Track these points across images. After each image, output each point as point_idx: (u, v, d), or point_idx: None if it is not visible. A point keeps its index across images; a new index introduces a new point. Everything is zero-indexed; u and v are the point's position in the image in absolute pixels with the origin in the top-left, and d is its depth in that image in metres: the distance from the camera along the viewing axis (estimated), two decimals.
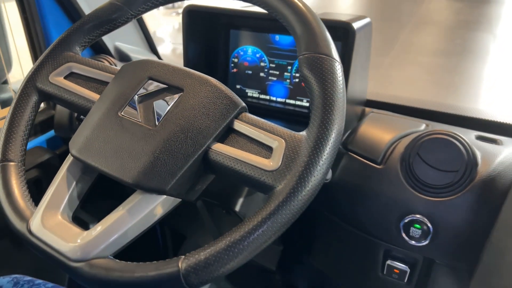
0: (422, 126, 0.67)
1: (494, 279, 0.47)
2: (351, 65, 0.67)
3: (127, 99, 0.51)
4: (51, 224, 0.46)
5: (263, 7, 0.52)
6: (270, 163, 0.44)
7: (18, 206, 0.49)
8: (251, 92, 0.87)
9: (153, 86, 0.51)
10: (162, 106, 0.49)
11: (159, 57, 1.05)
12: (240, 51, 0.86)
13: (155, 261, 0.42)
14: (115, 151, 0.47)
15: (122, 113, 0.50)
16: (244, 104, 0.50)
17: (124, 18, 0.60)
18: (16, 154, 0.54)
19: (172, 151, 0.46)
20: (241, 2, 0.56)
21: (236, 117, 0.49)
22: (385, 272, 0.66)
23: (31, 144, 0.83)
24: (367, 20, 0.74)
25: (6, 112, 0.83)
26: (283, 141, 0.45)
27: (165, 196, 0.46)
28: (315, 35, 0.48)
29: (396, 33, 6.23)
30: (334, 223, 0.69)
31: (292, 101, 0.83)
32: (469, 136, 0.64)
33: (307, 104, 0.82)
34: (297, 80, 0.82)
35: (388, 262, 0.65)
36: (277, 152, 0.44)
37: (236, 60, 0.87)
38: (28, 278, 0.61)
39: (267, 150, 0.45)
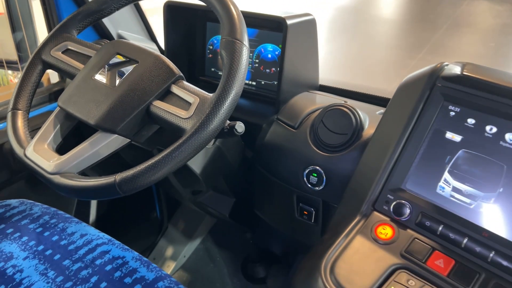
0: (339, 101, 0.83)
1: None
2: (285, 53, 0.84)
3: (100, 68, 0.70)
4: (39, 150, 0.67)
5: (204, 2, 0.70)
6: (187, 114, 0.62)
7: (20, 139, 0.70)
8: (221, 73, 1.05)
9: (118, 58, 0.71)
10: (122, 73, 0.68)
11: (157, 44, 1.25)
12: (214, 40, 1.04)
13: (101, 176, 0.61)
14: (86, 102, 0.67)
15: (94, 77, 0.69)
16: (181, 74, 0.68)
17: (108, 10, 0.79)
18: (23, 105, 0.75)
19: (124, 104, 0.65)
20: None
21: (174, 82, 0.67)
22: (298, 214, 0.83)
23: (47, 108, 1.06)
24: (309, 17, 0.89)
25: None
26: (198, 98, 0.62)
27: (116, 135, 0.65)
28: (233, 24, 0.65)
29: (428, 36, 6.17)
30: (266, 177, 0.86)
31: (254, 82, 1.00)
32: (373, 109, 0.79)
33: (263, 83, 0.99)
34: (256, 65, 0.99)
35: (300, 205, 0.81)
36: (193, 106, 0.62)
37: (211, 47, 1.05)
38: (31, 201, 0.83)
39: (187, 105, 0.63)
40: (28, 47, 1.12)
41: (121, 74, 0.69)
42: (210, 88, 1.00)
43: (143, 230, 1.42)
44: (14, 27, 1.12)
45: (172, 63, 0.69)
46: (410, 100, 0.62)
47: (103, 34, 1.11)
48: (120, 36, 1.14)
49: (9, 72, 1.24)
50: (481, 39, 6.14)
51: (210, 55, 1.06)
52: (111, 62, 0.71)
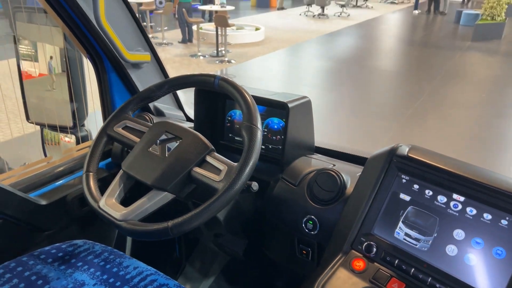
0: (329, 165, 1.09)
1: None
2: (288, 127, 1.11)
3: (153, 143, 0.97)
4: (109, 203, 0.92)
5: (228, 94, 0.98)
6: (218, 178, 0.87)
7: (93, 195, 0.95)
8: (238, 138, 1.32)
9: (167, 135, 0.98)
10: (170, 146, 0.95)
11: (184, 113, 1.53)
12: (232, 113, 1.32)
13: (157, 223, 0.85)
14: (144, 168, 0.93)
15: (149, 149, 0.96)
16: (212, 147, 0.94)
17: (156, 97, 1.08)
18: (93, 168, 1.01)
19: (172, 170, 0.91)
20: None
21: (208, 153, 0.93)
22: (299, 253, 1.06)
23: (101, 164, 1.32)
24: (306, 99, 1.17)
25: (85, 144, 1.34)
26: (226, 166, 0.89)
27: (166, 192, 0.90)
28: (251, 113, 0.92)
29: (423, 85, 6.54)
30: (273, 223, 1.11)
31: (263, 146, 1.27)
32: (354, 170, 1.05)
33: (270, 147, 1.25)
34: (265, 133, 1.26)
35: (300, 246, 1.05)
36: (222, 172, 0.88)
37: (229, 118, 1.32)
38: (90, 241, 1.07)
39: (218, 171, 0.89)
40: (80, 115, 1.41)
41: (169, 147, 0.96)
42: (228, 150, 1.28)
43: (163, 268, 1.64)
44: (71, 99, 1.41)
45: (206, 139, 0.95)
46: (375, 170, 0.88)
47: (144, 107, 1.39)
48: (156, 109, 1.42)
49: (61, 134, 1.52)
50: (474, 89, 6.50)
51: (228, 124, 1.33)
52: (161, 138, 0.98)
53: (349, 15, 14.67)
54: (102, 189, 0.97)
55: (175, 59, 7.96)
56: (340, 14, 14.64)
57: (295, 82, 6.92)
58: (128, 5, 1.26)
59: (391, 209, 0.84)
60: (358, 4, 17.48)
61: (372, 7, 17.36)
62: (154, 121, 1.32)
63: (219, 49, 8.23)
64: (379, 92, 6.52)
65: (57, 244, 1.04)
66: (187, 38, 9.23)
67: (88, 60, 1.29)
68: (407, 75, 7.51)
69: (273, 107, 1.22)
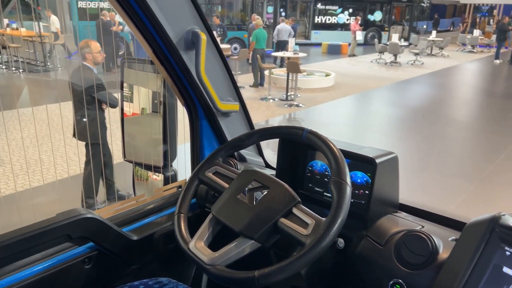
0: (418, 226, 1.04)
1: None
2: (374, 183, 1.09)
3: (242, 190, 1.01)
4: (198, 246, 0.96)
5: (317, 148, 1.00)
6: (305, 231, 0.88)
7: (183, 237, 1.00)
8: (318, 189, 1.32)
9: (255, 183, 1.01)
10: (258, 195, 0.98)
11: (264, 159, 1.58)
12: (313, 163, 1.33)
13: (246, 271, 0.87)
14: (232, 214, 0.97)
15: (238, 196, 1.00)
16: (299, 199, 0.96)
17: (245, 145, 1.13)
18: (184, 210, 1.07)
19: (259, 219, 0.93)
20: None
21: (294, 205, 0.95)
22: None
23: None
24: (393, 155, 1.16)
25: (173, 185, 1.42)
26: (314, 221, 0.89)
27: (253, 240, 0.92)
28: (340, 168, 0.93)
29: (504, 141, 6.11)
30: (355, 282, 1.07)
31: None
32: (445, 234, 0.99)
33: (353, 201, 1.23)
34: None
35: None
36: (310, 226, 0.89)
37: (310, 168, 1.34)
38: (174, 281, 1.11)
39: (305, 224, 0.90)
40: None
41: (257, 196, 0.99)
42: (308, 200, 1.28)
43: None
44: (164, 141, 1.52)
45: (292, 190, 0.97)
46: (474, 239, 0.83)
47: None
48: (240, 156, 1.48)
49: (150, 173, 1.64)
50: None
51: (309, 174, 1.35)
52: (249, 186, 1.02)
53: (423, 63, 14.34)
54: (191, 230, 1.02)
55: (246, 101, 8.21)
56: (414, 62, 14.36)
57: (364, 128, 6.81)
58: (223, 58, 1.36)
59: (493, 283, 0.78)
60: (433, 53, 17.05)
61: (448, 55, 16.83)
62: (238, 166, 1.37)
63: (289, 94, 8.42)
64: (455, 144, 6.19)
65: (145, 280, 1.10)
66: (258, 82, 9.58)
67: (183, 106, 1.40)
68: (486, 127, 7.06)
69: (358, 160, 1.22)
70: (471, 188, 4.41)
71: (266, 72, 9.23)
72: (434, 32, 17.03)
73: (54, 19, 11.25)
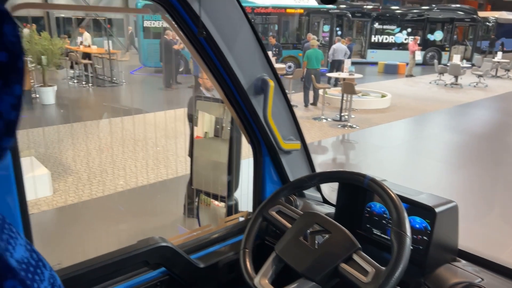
0: (477, 279, 1.05)
1: None
2: (434, 231, 1.12)
3: (304, 232, 1.08)
4: (263, 283, 1.04)
5: (379, 197, 1.05)
6: (366, 279, 0.93)
7: (248, 272, 1.09)
8: (376, 231, 1.36)
9: (316, 226, 1.08)
10: (320, 239, 1.05)
11: (322, 195, 1.64)
12: (371, 204, 1.37)
13: None
14: (295, 255, 1.04)
15: (300, 238, 1.07)
16: (359, 246, 1.01)
17: (307, 186, 1.21)
18: (249, 246, 1.16)
19: (321, 262, 1.00)
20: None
21: (355, 251, 1.00)
22: None
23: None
24: (452, 204, 1.18)
25: (235, 216, 1.52)
26: (374, 269, 0.94)
27: (314, 283, 0.99)
28: (401, 219, 0.98)
29: None
30: None
31: None
32: (508, 286, 1.00)
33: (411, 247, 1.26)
34: None
35: None
36: (370, 274, 0.94)
37: (368, 209, 1.38)
38: None
39: (365, 272, 0.95)
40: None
41: (319, 240, 1.06)
42: (365, 240, 1.33)
43: None
44: (229, 172, 1.63)
45: (353, 237, 1.03)
46: None
47: None
48: (300, 191, 1.56)
49: (216, 202, 1.76)
50: None
51: (367, 215, 1.39)
52: (311, 228, 1.09)
53: (487, 85, 13.64)
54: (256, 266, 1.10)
55: (299, 120, 8.33)
56: (477, 84, 13.70)
57: (420, 154, 6.60)
58: (287, 100, 1.46)
59: None
60: (498, 74, 16.17)
61: None
62: (298, 202, 1.45)
63: (343, 114, 8.38)
64: None
65: None
66: (310, 102, 9.62)
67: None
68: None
69: (416, 206, 1.25)
70: None
71: (320, 92, 9.26)
72: (499, 53, 16.14)
73: (87, 36, 11.96)
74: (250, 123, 1.40)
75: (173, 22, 1.14)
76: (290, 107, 1.47)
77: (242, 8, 1.23)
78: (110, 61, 11.06)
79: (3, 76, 0.39)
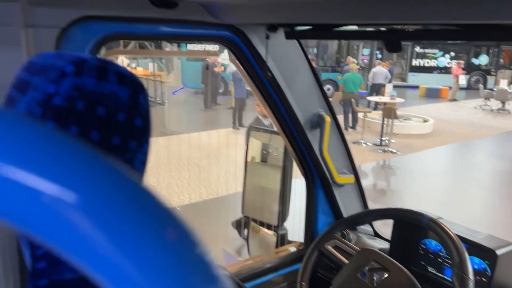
0: None
1: None
2: (494, 275, 1.10)
3: (361, 269, 1.10)
4: None
5: (438, 237, 1.05)
6: None
7: None
8: (431, 269, 1.34)
9: (374, 264, 1.09)
10: (378, 277, 1.06)
11: (373, 228, 1.64)
12: (426, 241, 1.36)
13: None
14: None
15: (357, 275, 1.08)
16: (419, 286, 1.01)
17: (362, 222, 1.22)
18: (306, 279, 1.18)
19: None
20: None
21: None
22: None
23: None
24: None
25: (286, 246, 1.55)
26: None
27: None
28: (464, 263, 0.98)
29: None
30: None
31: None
32: None
33: None
34: None
35: None
36: None
37: (423, 246, 1.37)
38: None
39: None
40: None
41: (377, 278, 1.07)
42: (420, 278, 1.31)
43: None
44: (280, 202, 1.67)
45: (413, 276, 1.03)
46: None
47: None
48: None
49: (265, 229, 1.80)
50: None
51: (422, 252, 1.38)
52: (369, 266, 1.10)
53: None
54: None
55: None
56: None
57: (464, 182, 6.36)
58: (341, 134, 1.49)
59: None
60: None
61: None
62: (351, 236, 1.46)
63: (383, 138, 8.25)
64: None
65: None
66: (350, 126, 9.54)
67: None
68: None
69: (475, 247, 1.23)
70: None
71: (360, 115, 9.18)
72: None
73: (122, 59, 12.41)
74: (304, 156, 1.44)
75: (240, 66, 1.21)
76: (344, 141, 1.50)
77: (302, 48, 1.29)
78: (154, 82, 11.52)
79: (138, 138, 0.45)
